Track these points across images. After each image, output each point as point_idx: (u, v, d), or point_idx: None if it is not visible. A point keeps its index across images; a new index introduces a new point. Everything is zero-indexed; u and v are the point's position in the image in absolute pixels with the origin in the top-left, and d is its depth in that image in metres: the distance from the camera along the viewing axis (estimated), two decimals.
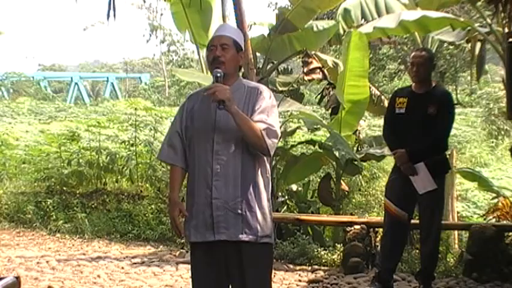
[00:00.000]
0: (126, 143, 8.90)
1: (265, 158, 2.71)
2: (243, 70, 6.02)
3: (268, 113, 2.65)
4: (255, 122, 2.59)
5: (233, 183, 2.62)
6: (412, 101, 4.48)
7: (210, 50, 2.72)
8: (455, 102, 6.35)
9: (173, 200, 2.79)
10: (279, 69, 7.71)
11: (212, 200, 2.63)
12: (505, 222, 5.75)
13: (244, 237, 2.63)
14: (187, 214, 2.74)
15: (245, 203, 2.63)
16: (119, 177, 8.79)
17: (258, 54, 7.45)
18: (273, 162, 6.77)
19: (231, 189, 2.62)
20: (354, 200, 8.12)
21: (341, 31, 6.80)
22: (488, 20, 6.41)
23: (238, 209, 2.62)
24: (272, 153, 2.68)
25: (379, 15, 6.63)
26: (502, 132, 15.38)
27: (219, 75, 2.63)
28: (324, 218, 6.42)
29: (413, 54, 4.59)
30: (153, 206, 7.84)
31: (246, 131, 2.57)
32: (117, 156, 8.76)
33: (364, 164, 7.13)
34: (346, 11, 6.67)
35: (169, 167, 2.92)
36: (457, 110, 4.77)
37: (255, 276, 2.68)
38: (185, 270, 5.48)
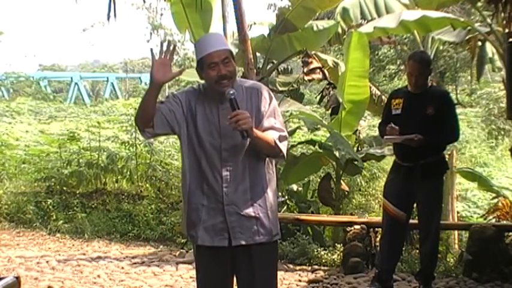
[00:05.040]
0: (126, 144, 8.91)
1: None
2: (242, 70, 6.05)
3: (275, 115, 2.63)
4: (265, 129, 2.56)
5: (242, 188, 2.59)
6: (408, 102, 4.45)
7: (212, 68, 2.52)
8: (456, 102, 6.36)
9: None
10: (279, 69, 7.71)
11: (224, 206, 2.59)
12: (505, 222, 5.76)
13: (261, 238, 2.62)
14: (193, 216, 2.64)
15: (257, 205, 2.61)
16: (119, 177, 8.79)
17: (258, 54, 7.44)
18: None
19: (241, 193, 2.59)
20: (354, 200, 8.13)
21: (340, 30, 6.80)
22: (488, 20, 6.41)
23: (252, 212, 2.60)
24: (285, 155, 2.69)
25: (379, 14, 6.64)
26: (502, 132, 15.36)
27: (233, 97, 2.47)
28: (324, 218, 6.42)
29: (409, 62, 4.47)
30: (153, 206, 7.85)
31: (263, 147, 2.56)
32: (117, 156, 8.76)
33: (364, 164, 7.13)
34: (345, 10, 6.68)
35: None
36: (457, 110, 4.74)
37: (264, 273, 2.68)
38: (185, 270, 5.48)
